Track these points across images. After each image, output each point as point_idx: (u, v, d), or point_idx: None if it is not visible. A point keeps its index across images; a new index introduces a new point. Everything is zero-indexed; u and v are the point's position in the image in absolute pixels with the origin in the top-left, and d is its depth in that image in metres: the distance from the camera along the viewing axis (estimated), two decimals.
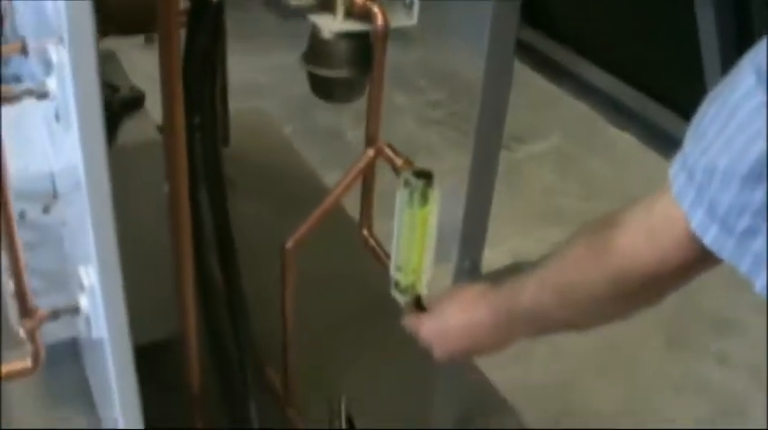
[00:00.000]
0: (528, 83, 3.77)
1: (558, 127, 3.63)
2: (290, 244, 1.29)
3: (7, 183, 1.08)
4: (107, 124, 1.46)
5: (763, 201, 0.66)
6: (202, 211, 1.44)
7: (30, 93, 1.02)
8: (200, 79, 1.40)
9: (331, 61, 1.32)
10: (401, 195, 1.19)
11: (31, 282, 1.30)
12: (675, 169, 0.75)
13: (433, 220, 1.20)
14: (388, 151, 1.23)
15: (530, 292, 0.97)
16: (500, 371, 2.35)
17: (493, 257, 1.39)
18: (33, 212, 1.30)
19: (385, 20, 1.23)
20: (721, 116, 0.70)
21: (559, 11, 1.74)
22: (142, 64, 1.88)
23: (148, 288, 1.41)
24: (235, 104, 2.44)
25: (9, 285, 1.22)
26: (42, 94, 1.03)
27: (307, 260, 1.89)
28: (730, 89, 0.70)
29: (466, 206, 1.17)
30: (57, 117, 1.04)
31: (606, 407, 2.29)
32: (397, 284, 1.27)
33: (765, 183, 0.66)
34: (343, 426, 1.49)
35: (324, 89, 1.37)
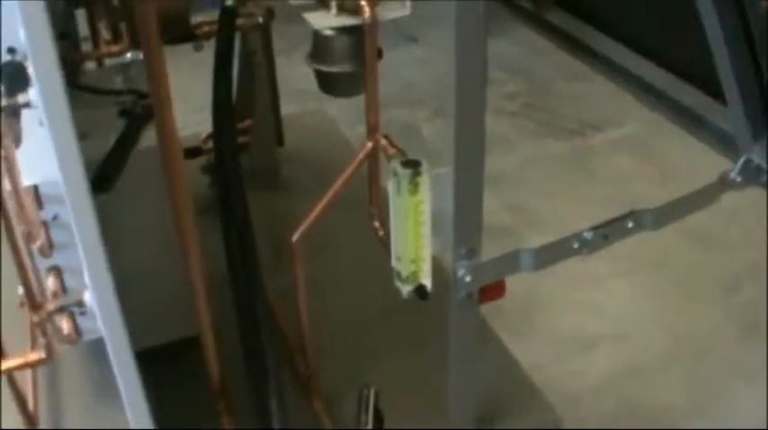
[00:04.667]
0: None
1: (635, 114, 3.54)
2: (295, 237, 1.31)
3: (18, 187, 1.14)
4: (129, 129, 1.53)
5: None
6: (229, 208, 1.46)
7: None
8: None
9: (333, 57, 1.34)
10: (391, 185, 1.19)
11: (65, 280, 1.37)
12: None
13: (424, 209, 1.19)
14: (384, 142, 1.23)
15: None
16: (560, 362, 2.32)
17: None
18: (65, 214, 1.36)
19: (373, 13, 1.23)
20: None
21: None
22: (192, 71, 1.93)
23: (173, 286, 1.46)
24: (300, 107, 2.48)
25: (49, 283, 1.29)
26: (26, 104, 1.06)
27: (331, 254, 1.92)
28: None
29: (455, 191, 1.15)
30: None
31: (672, 401, 2.21)
32: (398, 275, 1.27)
33: None
34: (370, 420, 1.50)
35: (330, 84, 1.39)
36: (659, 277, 2.64)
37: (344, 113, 2.88)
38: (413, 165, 1.17)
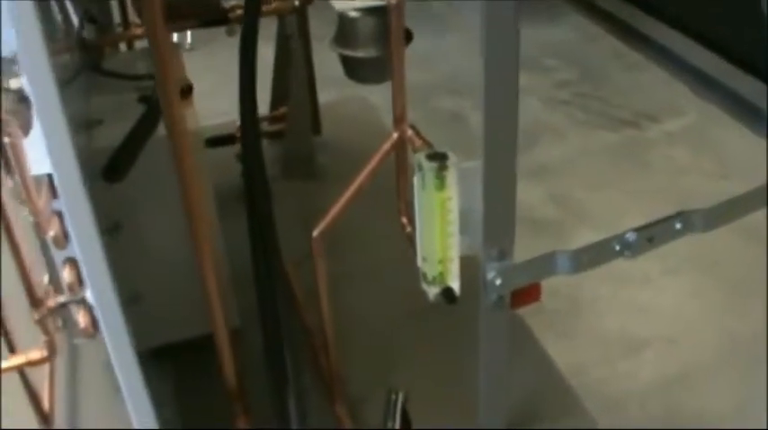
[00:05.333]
0: None
1: (693, 105, 3.39)
2: (316, 233, 1.22)
3: (25, 176, 1.07)
4: (146, 116, 1.46)
5: None
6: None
7: None
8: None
9: (358, 41, 1.25)
10: (416, 180, 1.10)
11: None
12: None
13: (452, 205, 1.11)
14: (411, 133, 1.14)
15: None
16: (606, 365, 2.21)
17: None
18: None
19: None
20: None
21: None
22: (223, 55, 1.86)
23: (190, 281, 1.39)
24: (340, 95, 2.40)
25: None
26: None
27: (358, 250, 1.84)
28: None
29: (485, 186, 1.06)
30: None
31: (721, 408, 2.09)
32: (424, 276, 1.18)
33: None
34: (397, 423, 1.42)
35: (355, 70, 1.31)
36: (712, 276, 2.51)
37: (387, 101, 2.80)
38: (439, 158, 1.08)
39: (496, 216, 1.11)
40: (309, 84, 2.25)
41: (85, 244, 0.98)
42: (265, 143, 2.31)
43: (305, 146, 2.22)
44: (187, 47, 3.96)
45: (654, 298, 2.44)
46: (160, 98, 1.17)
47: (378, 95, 2.59)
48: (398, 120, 1.18)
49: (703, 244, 2.34)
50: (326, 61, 2.36)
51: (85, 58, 1.55)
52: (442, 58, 3.85)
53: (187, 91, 1.50)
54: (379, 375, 1.52)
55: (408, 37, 1.26)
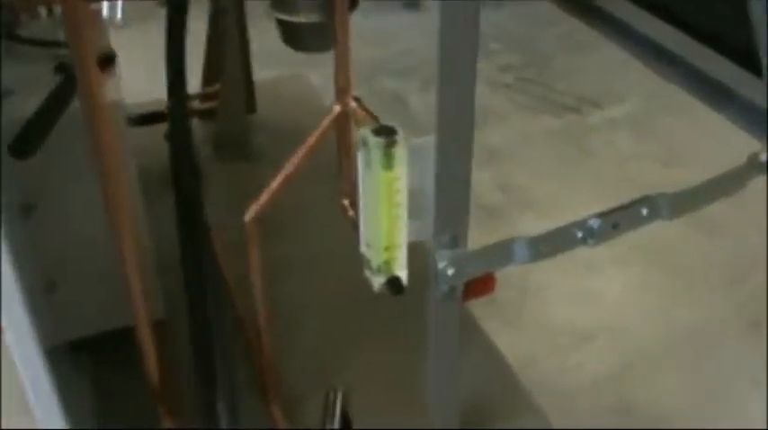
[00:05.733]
0: (603, 46, 3.51)
1: (635, 91, 3.35)
2: (249, 216, 1.11)
3: None
4: (62, 87, 1.32)
5: None
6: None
7: None
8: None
9: (298, 4, 1.13)
10: (361, 157, 0.99)
11: None
12: None
13: (400, 186, 1.00)
14: (355, 106, 1.02)
15: None
16: (554, 356, 2.14)
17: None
18: None
19: None
20: None
21: None
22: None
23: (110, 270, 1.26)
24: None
25: None
26: None
27: (295, 236, 1.73)
28: None
29: (438, 165, 0.96)
30: None
31: (672, 400, 2.03)
32: (368, 264, 1.07)
33: None
34: (336, 423, 1.32)
35: (294, 37, 1.19)
36: (660, 266, 2.45)
37: (329, 82, 2.69)
38: (386, 132, 0.97)
39: (449, 198, 1.00)
40: (244, 60, 2.11)
41: None
42: (197, 122, 2.18)
43: (238, 125, 2.09)
44: (118, 22, 3.79)
45: (601, 287, 2.37)
46: (75, 67, 1.05)
47: (318, 75, 2.48)
48: (341, 92, 1.07)
49: (650, 233, 2.30)
50: (264, 37, 2.26)
51: None
52: (394, 35, 3.76)
53: (108, 61, 1.36)
54: (318, 372, 1.41)
55: (353, 3, 1.14)
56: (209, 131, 2.17)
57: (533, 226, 2.24)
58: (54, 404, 0.99)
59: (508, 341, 1.67)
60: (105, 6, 3.79)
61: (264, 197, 1.09)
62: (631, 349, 2.18)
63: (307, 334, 1.46)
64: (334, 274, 1.56)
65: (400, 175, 0.99)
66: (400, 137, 0.98)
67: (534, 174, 2.87)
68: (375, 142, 0.96)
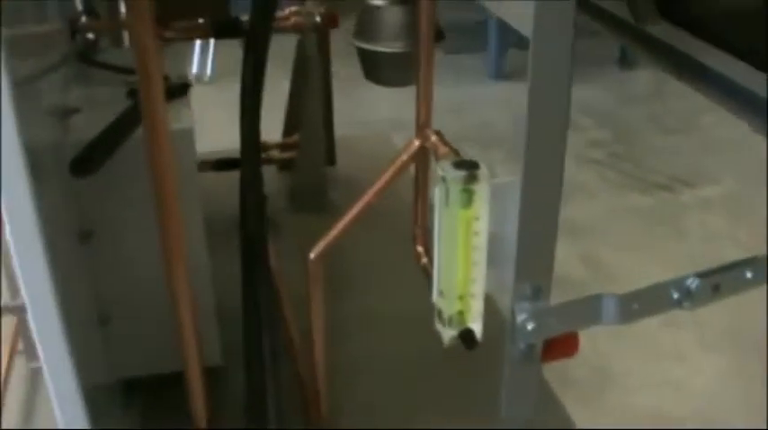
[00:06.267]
0: (700, 125, 3.39)
1: (731, 172, 3.20)
2: (313, 254, 1.03)
3: None
4: (130, 111, 1.28)
5: None
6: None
7: None
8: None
9: (381, 33, 1.07)
10: (437, 193, 0.90)
11: None
12: None
13: (480, 228, 0.91)
14: (435, 139, 0.94)
15: None
16: None
17: None
18: None
19: None
20: None
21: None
22: None
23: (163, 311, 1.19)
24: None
25: None
26: None
27: (364, 286, 1.64)
28: None
29: (522, 206, 0.86)
30: None
31: None
32: (439, 314, 0.98)
33: None
34: None
35: (375, 67, 1.12)
36: (754, 354, 2.28)
37: None
38: (468, 166, 0.88)
39: (533, 243, 0.90)
40: (326, 111, 2.07)
41: (23, 250, 0.78)
42: (276, 172, 2.14)
43: (316, 177, 2.04)
44: (207, 79, 3.83)
45: (689, 375, 2.21)
46: (140, 93, 1.00)
47: (401, 136, 2.43)
48: (422, 127, 0.99)
49: (744, 318, 2.14)
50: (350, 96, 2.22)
51: (75, 47, 1.39)
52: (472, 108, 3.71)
53: (179, 90, 1.32)
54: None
55: (439, 36, 1.07)
56: (287, 182, 2.12)
57: None
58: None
59: (587, 418, 1.54)
60: (195, 63, 3.85)
61: (332, 234, 1.02)
62: None
63: (366, 393, 1.36)
64: (402, 333, 1.47)
65: (481, 215, 0.90)
66: (483, 172, 0.89)
67: (620, 251, 2.74)
68: (454, 176, 0.88)
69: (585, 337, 0.98)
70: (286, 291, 1.65)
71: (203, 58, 3.86)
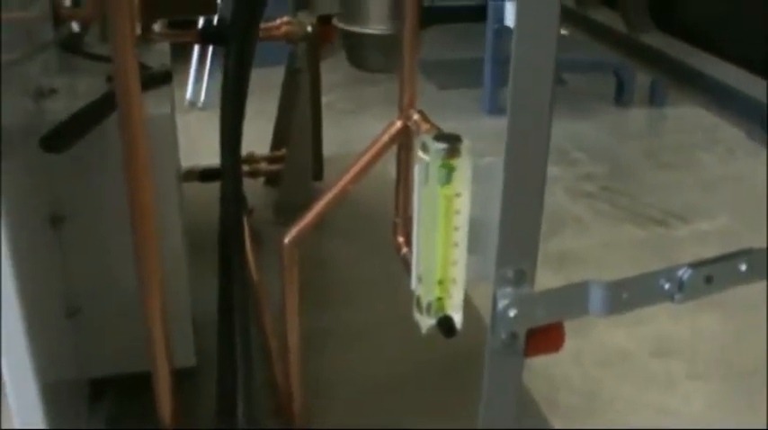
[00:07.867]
0: (696, 162, 3.37)
1: (726, 208, 3.18)
2: (287, 239, 0.98)
3: None
4: (108, 96, 1.25)
5: None
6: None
7: None
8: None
9: (367, 16, 1.04)
10: (417, 171, 0.86)
11: None
12: None
13: (461, 205, 0.87)
14: (418, 117, 0.90)
15: None
16: None
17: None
18: None
19: None
20: None
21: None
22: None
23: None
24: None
25: None
26: None
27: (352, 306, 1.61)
28: None
29: (505, 189, 0.82)
30: None
31: None
32: (418, 302, 0.93)
33: None
34: None
35: (361, 53, 1.09)
36: (747, 385, 2.22)
37: None
38: (448, 139, 0.85)
39: (517, 224, 0.86)
40: (315, 124, 2.04)
41: None
42: (261, 185, 2.11)
43: (302, 191, 2.00)
44: (200, 105, 3.81)
45: (679, 404, 2.16)
46: (115, 81, 0.97)
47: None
48: (405, 108, 0.95)
49: (737, 349, 2.09)
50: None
51: (60, 36, 1.37)
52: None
53: (162, 78, 1.29)
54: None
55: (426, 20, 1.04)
56: (274, 196, 2.09)
57: (610, 337, 2.07)
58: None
59: None
60: (190, 90, 3.83)
61: (307, 219, 0.97)
62: None
63: (341, 405, 1.31)
64: (381, 344, 1.42)
65: (462, 192, 0.86)
66: (465, 145, 0.85)
67: None
68: (435, 149, 0.84)
69: (574, 365, 0.94)
70: (267, 301, 1.61)
71: (197, 85, 3.85)
